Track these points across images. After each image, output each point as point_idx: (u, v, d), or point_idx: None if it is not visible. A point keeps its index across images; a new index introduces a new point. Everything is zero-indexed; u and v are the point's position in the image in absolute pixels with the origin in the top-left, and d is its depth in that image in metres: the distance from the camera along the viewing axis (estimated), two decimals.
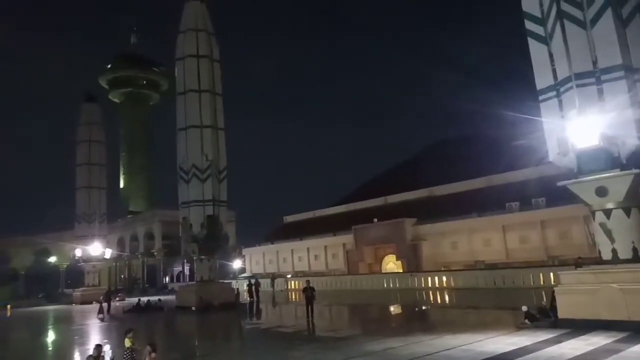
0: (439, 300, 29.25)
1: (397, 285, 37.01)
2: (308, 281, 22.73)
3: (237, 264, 62.02)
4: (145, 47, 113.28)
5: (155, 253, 65.99)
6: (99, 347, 11.77)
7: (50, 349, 20.42)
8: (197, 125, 33.20)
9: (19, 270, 67.50)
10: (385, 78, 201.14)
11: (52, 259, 66.31)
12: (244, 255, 63.04)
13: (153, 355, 10.82)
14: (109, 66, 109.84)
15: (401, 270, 42.20)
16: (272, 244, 60.05)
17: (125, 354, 12.05)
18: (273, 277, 46.97)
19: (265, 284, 43.58)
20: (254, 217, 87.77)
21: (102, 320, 27.64)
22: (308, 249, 54.78)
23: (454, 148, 54.65)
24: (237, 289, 33.75)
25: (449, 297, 30.09)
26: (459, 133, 64.55)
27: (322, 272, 50.29)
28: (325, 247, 52.94)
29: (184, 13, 34.51)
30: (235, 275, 56.93)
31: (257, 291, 32.84)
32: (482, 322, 17.02)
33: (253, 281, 34.84)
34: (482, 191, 41.98)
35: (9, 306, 39.27)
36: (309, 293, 20.60)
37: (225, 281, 38.63)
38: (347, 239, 48.78)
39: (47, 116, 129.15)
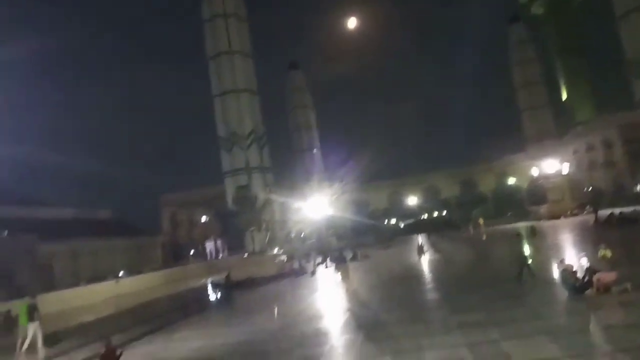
0: None
1: None
2: None
3: None
4: None
5: (617, 161, 59.73)
6: (562, 262, 12.61)
7: (529, 262, 21.96)
8: None
9: (485, 193, 75.88)
10: None
11: (512, 181, 70.92)
12: None
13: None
14: None
15: None
16: None
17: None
18: None
19: None
20: None
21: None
22: None
23: None
24: None
25: None
26: None
27: None
28: None
29: None
30: None
31: None
32: None
33: None
34: None
35: (480, 221, 45.35)
36: None
37: None
38: None
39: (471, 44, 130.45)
